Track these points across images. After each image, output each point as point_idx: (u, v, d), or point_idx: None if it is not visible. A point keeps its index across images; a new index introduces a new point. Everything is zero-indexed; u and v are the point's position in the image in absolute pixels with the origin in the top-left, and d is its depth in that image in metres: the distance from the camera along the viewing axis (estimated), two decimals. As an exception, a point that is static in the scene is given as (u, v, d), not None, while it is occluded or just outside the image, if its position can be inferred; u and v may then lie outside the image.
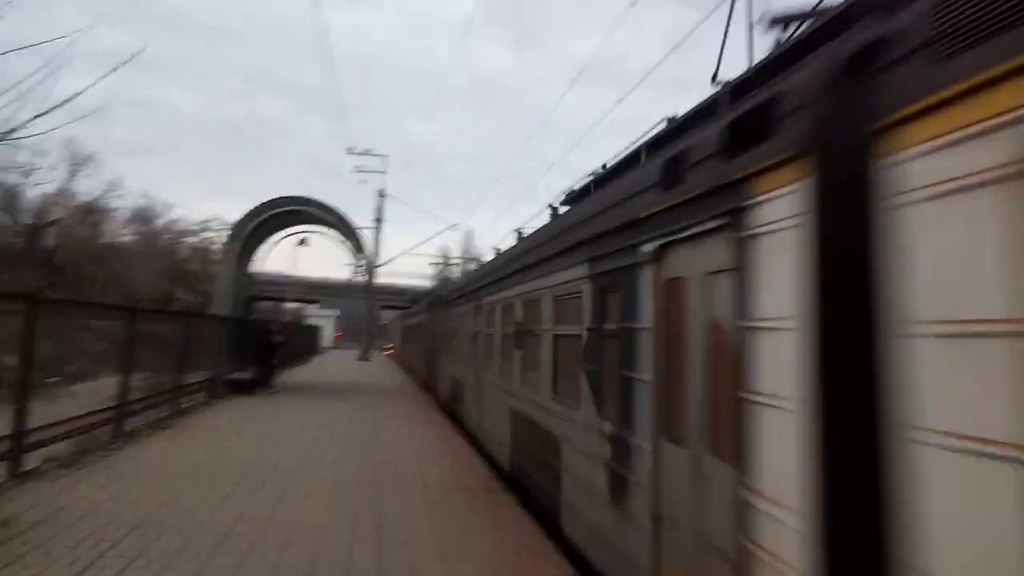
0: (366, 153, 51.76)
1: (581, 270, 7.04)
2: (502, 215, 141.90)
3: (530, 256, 9.63)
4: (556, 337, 8.17)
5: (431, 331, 24.63)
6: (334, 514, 8.21)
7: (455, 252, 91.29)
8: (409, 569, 6.40)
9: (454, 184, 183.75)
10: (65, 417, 10.63)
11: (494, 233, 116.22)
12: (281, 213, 29.16)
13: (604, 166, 8.12)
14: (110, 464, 10.36)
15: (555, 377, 8.18)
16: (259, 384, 22.61)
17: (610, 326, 6.16)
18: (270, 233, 31.42)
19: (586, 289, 6.90)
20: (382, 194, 52.22)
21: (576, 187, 9.10)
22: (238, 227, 28.98)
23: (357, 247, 33.42)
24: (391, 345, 66.23)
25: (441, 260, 71.58)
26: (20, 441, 9.27)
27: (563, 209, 9.38)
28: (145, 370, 14.95)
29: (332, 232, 33.24)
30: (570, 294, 7.52)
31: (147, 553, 6.52)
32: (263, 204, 29.12)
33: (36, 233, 44.31)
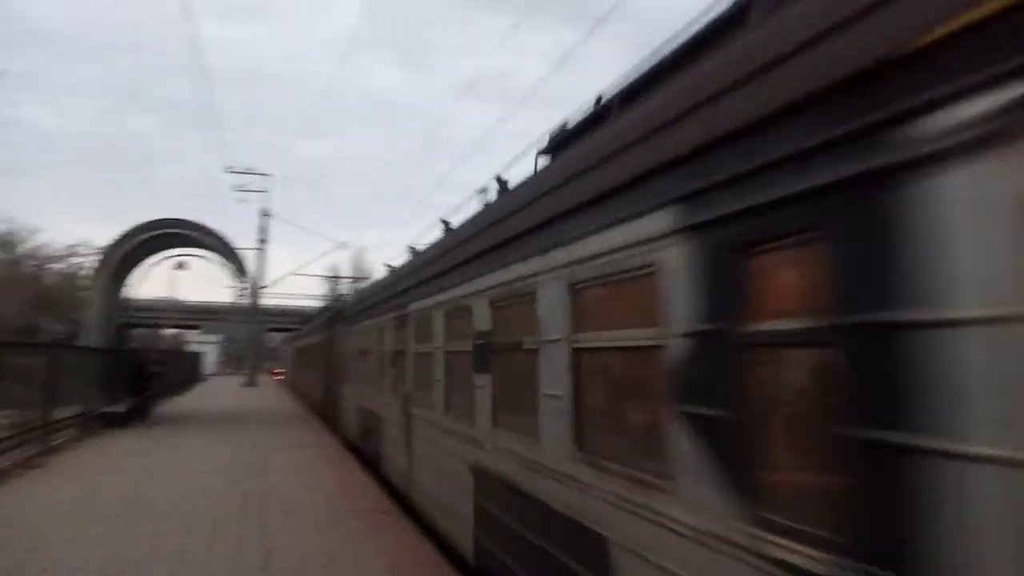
0: (248, 172, 50.45)
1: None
2: (394, 232, 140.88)
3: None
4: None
5: (330, 351, 20.67)
6: (219, 546, 7.94)
7: (345, 272, 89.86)
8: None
9: (343, 202, 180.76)
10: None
11: (385, 251, 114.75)
12: (157, 236, 27.94)
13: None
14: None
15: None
16: (136, 416, 21.54)
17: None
18: (145, 256, 30.00)
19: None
20: (265, 214, 50.96)
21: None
22: (110, 251, 27.55)
23: (239, 269, 32.40)
24: (281, 369, 60.39)
25: (331, 277, 70.26)
26: None
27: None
28: (10, 407, 14.01)
29: (213, 255, 32.15)
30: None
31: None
32: (137, 227, 27.80)
33: None
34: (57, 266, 60.86)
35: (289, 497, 10.65)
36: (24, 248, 58.36)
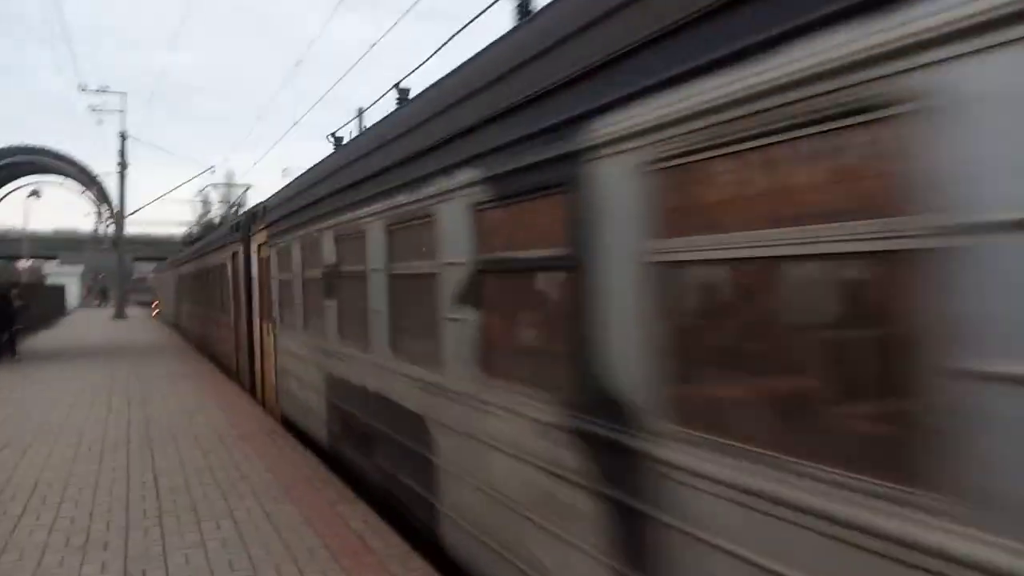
0: (102, 90, 47.34)
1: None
2: (266, 153, 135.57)
3: None
4: None
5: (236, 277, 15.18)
6: (108, 470, 8.27)
7: (215, 197, 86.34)
8: (190, 510, 6.78)
9: (210, 122, 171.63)
10: None
11: (257, 173, 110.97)
12: (9, 164, 26.24)
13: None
14: None
15: None
16: (2, 352, 20.82)
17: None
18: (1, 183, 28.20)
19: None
20: (123, 135, 48.20)
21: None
22: (-41, 181, 25.82)
23: (100, 196, 30.89)
24: (156, 302, 50.97)
25: (201, 200, 67.45)
26: None
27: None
28: None
29: (71, 182, 30.42)
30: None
31: (-94, 530, 6.35)
32: (-11, 156, 26.11)
33: None
34: None
35: (174, 425, 10.96)
36: None
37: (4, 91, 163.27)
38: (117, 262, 47.35)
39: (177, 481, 7.79)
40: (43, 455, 9.06)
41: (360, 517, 6.44)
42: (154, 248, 70.64)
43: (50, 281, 62.66)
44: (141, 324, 41.19)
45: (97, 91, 46.54)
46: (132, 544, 5.91)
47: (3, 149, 27.25)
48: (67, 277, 73.51)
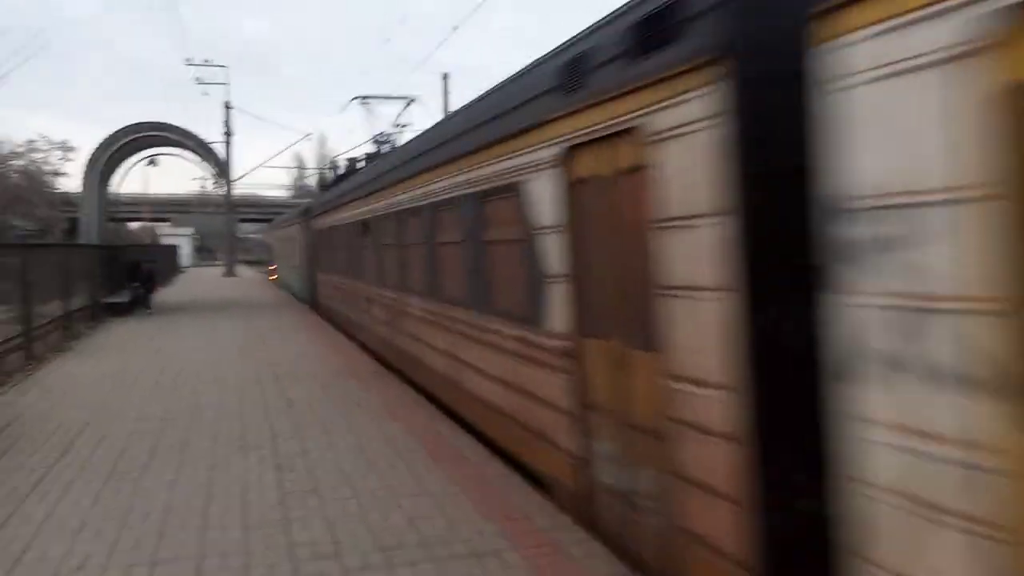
0: (206, 64, 50.44)
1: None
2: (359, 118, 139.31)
3: None
4: None
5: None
6: (248, 399, 10.21)
7: (310, 161, 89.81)
8: (319, 426, 8.56)
9: (299, 85, 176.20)
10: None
11: (353, 138, 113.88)
12: (139, 138, 29.27)
13: None
14: (37, 381, 11.83)
15: None
16: (137, 306, 23.57)
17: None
18: (127, 156, 31.38)
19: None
20: (228, 106, 51.30)
21: None
22: (96, 154, 29.05)
23: (216, 165, 33.84)
24: (273, 265, 43.58)
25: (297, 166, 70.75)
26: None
27: None
28: (30, 302, 15.96)
29: (188, 153, 33.46)
30: None
31: (109, 435, 8.37)
32: (120, 131, 29.14)
33: None
34: (18, 163, 60.73)
35: (295, 366, 12.93)
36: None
37: (102, 55, 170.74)
38: (226, 224, 50.90)
39: (304, 406, 9.63)
40: (193, 390, 11.10)
41: (449, 431, 8.09)
42: (256, 210, 74.71)
43: (163, 242, 67.42)
44: (249, 282, 44.44)
45: (201, 65, 49.78)
46: (279, 447, 7.72)
47: (136, 125, 30.24)
48: (179, 238, 78.70)
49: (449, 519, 5.55)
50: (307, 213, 24.19)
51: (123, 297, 22.99)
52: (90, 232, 27.44)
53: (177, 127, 30.70)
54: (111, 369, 12.86)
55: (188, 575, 4.75)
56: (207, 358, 13.92)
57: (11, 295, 13.45)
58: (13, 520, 5.80)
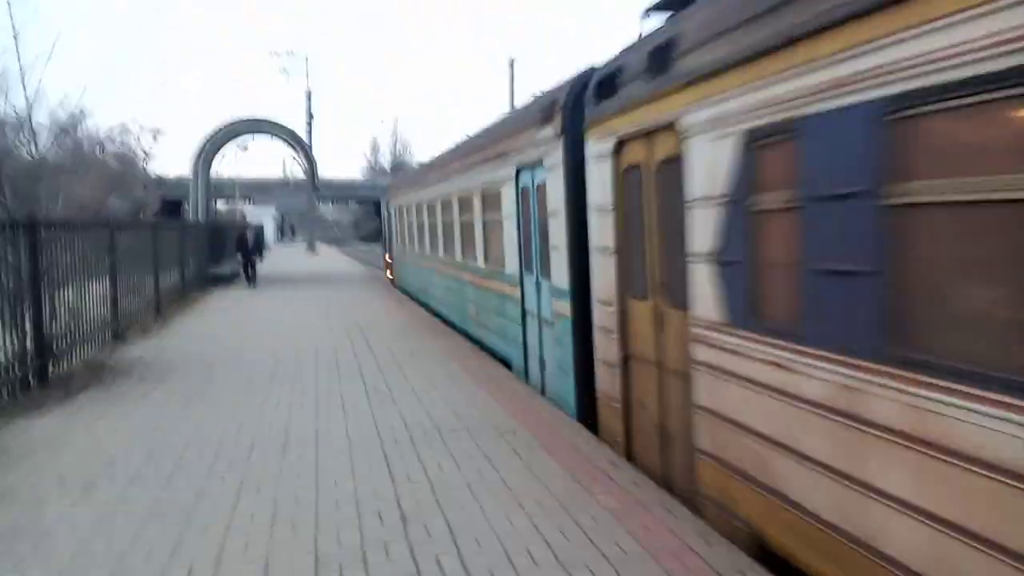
0: (289, 53, 54.32)
1: None
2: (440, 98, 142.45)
3: None
4: None
5: None
6: (339, 345, 12.81)
7: (385, 143, 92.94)
8: (397, 366, 11.05)
9: (377, 75, 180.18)
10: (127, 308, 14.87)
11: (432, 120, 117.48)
12: (239, 129, 33.24)
13: None
14: (170, 332, 14.78)
15: None
16: (245, 277, 26.72)
17: None
18: (225, 143, 35.37)
19: None
20: (309, 94, 54.97)
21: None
22: (203, 145, 33.11)
23: (302, 151, 37.60)
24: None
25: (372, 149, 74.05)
26: (117, 319, 13.55)
27: None
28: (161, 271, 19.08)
29: (278, 141, 37.45)
30: None
31: (237, 366, 11.05)
32: (225, 125, 33.17)
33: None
34: (111, 147, 65.55)
35: (377, 323, 15.57)
36: (81, 132, 63.07)
37: (188, 41, 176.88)
38: (307, 204, 54.74)
39: (385, 350, 12.16)
40: (295, 338, 13.81)
41: (493, 367, 10.47)
42: (333, 190, 78.54)
43: (250, 220, 71.91)
44: (330, 258, 48.00)
45: (284, 54, 53.62)
46: (365, 375, 10.23)
47: (238, 123, 34.17)
48: (263, 217, 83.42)
49: (483, 413, 7.94)
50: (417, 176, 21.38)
51: (228, 268, 26.25)
52: (197, 212, 31.43)
53: (274, 123, 34.55)
54: (226, 324, 15.78)
55: (310, 439, 7.24)
56: (302, 317, 16.73)
57: (144, 266, 16.39)
58: (190, 414, 8.43)
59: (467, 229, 12.80)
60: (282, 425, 7.75)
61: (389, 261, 26.62)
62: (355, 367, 10.81)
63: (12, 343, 9.30)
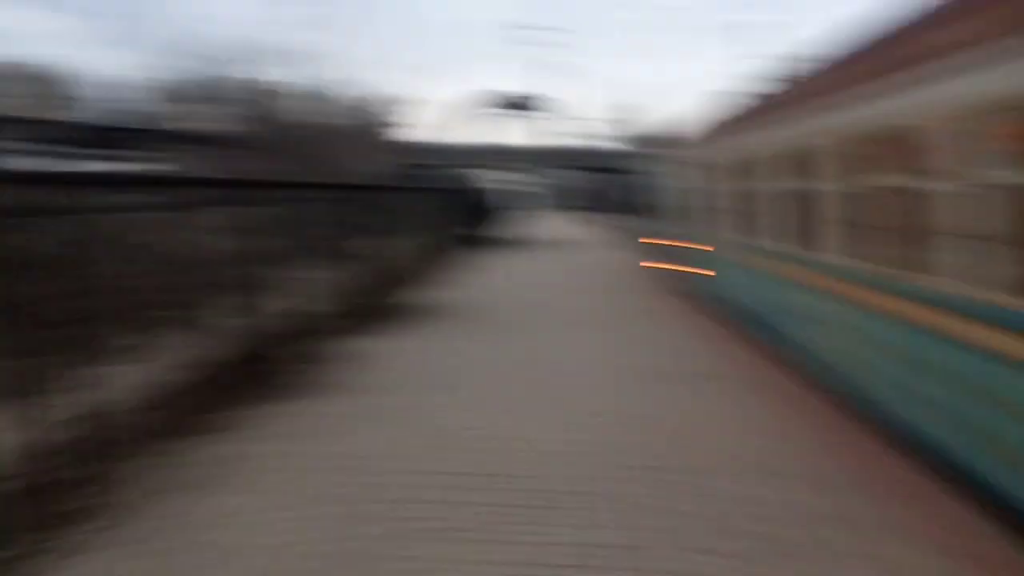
0: (535, 27, 58.09)
1: None
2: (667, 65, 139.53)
3: None
4: None
5: None
6: (581, 298, 14.76)
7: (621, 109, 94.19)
8: (629, 318, 12.71)
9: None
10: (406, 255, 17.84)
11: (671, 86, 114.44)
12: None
13: None
14: (436, 285, 17.65)
15: None
16: (487, 239, 29.65)
17: None
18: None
19: None
20: (548, 67, 58.08)
21: None
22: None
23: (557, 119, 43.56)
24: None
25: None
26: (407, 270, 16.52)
27: None
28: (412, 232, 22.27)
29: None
30: None
31: (502, 313, 13.29)
32: (496, 100, 39.93)
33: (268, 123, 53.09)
34: (385, 119, 71.92)
35: (611, 282, 17.55)
36: (361, 102, 69.86)
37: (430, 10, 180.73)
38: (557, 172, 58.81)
39: (621, 307, 13.95)
40: (541, 291, 16.05)
41: (715, 330, 11.87)
42: (564, 158, 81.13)
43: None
44: (563, 223, 51.20)
45: (533, 29, 57.30)
46: (607, 325, 12.01)
47: (511, 97, 39.92)
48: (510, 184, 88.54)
49: (698, 360, 9.46)
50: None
51: (472, 230, 29.36)
52: (447, 179, 36.80)
53: (539, 97, 40.00)
54: (479, 279, 18.53)
55: (558, 371, 9.16)
56: (543, 275, 19.14)
57: (413, 226, 19.42)
58: (474, 348, 10.55)
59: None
60: (545, 355, 9.82)
61: (649, 244, 20.66)
62: (592, 319, 12.73)
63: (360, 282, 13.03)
